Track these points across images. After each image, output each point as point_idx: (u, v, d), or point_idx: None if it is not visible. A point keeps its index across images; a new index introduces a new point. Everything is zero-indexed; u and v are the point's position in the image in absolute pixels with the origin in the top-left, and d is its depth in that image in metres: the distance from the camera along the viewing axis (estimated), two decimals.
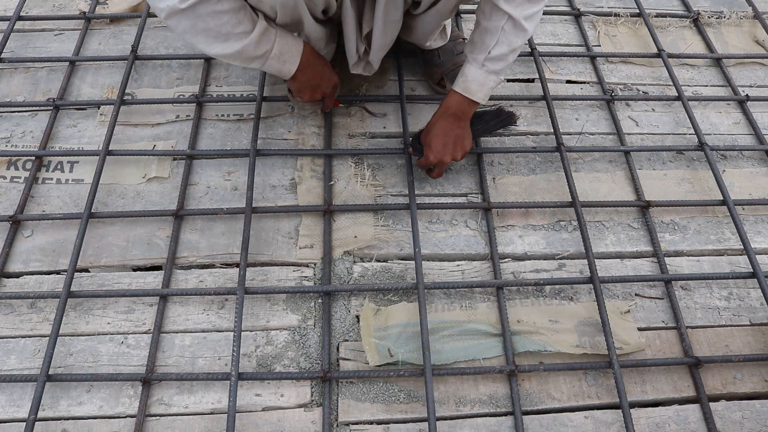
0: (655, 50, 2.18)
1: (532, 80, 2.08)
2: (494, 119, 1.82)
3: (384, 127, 1.91)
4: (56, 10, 2.28)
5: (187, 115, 1.92)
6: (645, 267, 1.68)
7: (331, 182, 1.77)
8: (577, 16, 2.30)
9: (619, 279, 1.62)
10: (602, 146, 1.90)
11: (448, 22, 1.93)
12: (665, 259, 1.69)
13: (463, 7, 2.23)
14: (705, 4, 2.44)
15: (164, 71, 2.05)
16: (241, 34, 1.45)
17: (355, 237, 1.67)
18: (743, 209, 1.82)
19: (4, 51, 2.09)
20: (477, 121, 1.76)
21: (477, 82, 1.59)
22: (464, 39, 2.01)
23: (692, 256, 1.72)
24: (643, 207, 1.77)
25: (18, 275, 1.62)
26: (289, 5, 1.53)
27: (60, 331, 1.49)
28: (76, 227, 1.67)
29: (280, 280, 1.59)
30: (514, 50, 1.55)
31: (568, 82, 2.10)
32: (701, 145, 1.90)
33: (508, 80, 2.08)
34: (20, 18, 2.19)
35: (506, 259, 1.66)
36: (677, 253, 1.72)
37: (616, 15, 2.32)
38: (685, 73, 2.17)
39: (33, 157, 1.83)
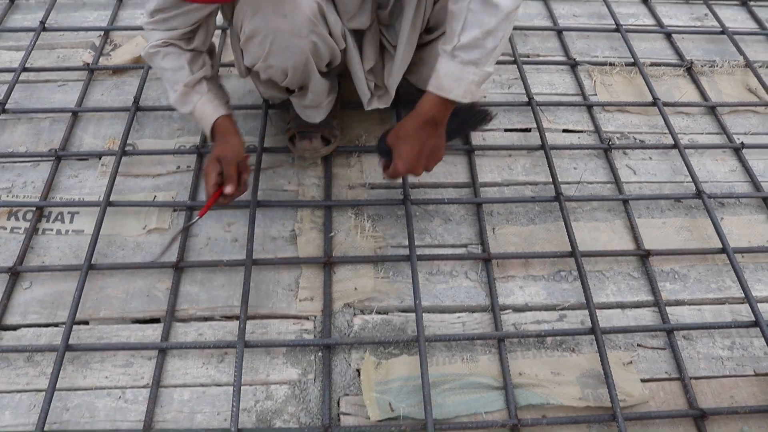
0: (650, 99, 2.21)
1: (529, 130, 2.10)
2: (467, 119, 1.75)
3: (383, 178, 1.91)
4: (60, 62, 2.31)
5: (188, 166, 1.93)
6: (646, 317, 1.68)
7: (331, 234, 1.77)
8: (573, 65, 2.34)
9: (620, 329, 1.61)
10: (601, 195, 1.92)
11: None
12: (666, 308, 1.68)
13: None
14: (697, 53, 2.48)
15: (165, 122, 2.07)
16: (173, 90, 1.63)
17: (356, 289, 1.67)
18: (743, 257, 1.82)
19: (8, 102, 2.10)
20: (450, 122, 1.54)
21: (451, 77, 1.41)
22: None
23: (693, 305, 1.72)
24: (643, 256, 1.77)
25: (15, 328, 1.61)
26: (300, 66, 1.58)
27: (57, 386, 1.47)
28: (75, 279, 1.66)
29: (280, 333, 1.58)
30: (490, 32, 1.36)
31: (566, 131, 2.12)
32: (699, 193, 1.91)
33: (506, 130, 2.10)
34: (25, 69, 2.22)
35: (507, 311, 1.65)
36: (678, 302, 1.72)
37: (612, 64, 2.35)
38: (681, 121, 2.20)
39: (34, 208, 1.83)
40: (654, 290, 1.70)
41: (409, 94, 1.92)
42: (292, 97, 1.82)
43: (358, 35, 1.70)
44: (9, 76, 2.21)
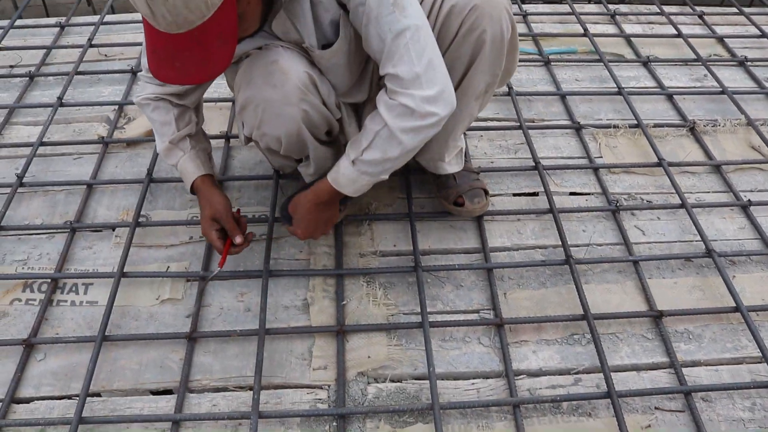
0: (655, 159, 2.24)
1: (537, 194, 2.13)
2: None
3: (394, 246, 1.94)
4: (76, 135, 2.37)
5: (200, 237, 1.95)
6: (663, 379, 1.66)
7: (344, 302, 1.78)
8: (577, 129, 2.38)
9: (637, 392, 1.60)
10: (611, 257, 1.92)
11: (462, 147, 1.94)
12: (683, 369, 1.67)
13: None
14: (699, 113, 2.52)
15: (178, 193, 2.11)
16: (160, 141, 1.77)
17: (369, 357, 1.66)
18: (757, 315, 1.81)
19: (25, 175, 2.15)
20: None
21: (347, 178, 1.57)
22: (478, 173, 2.05)
23: (710, 365, 1.70)
24: (656, 317, 1.77)
25: (28, 401, 1.60)
26: (293, 134, 1.63)
27: None
28: (89, 350, 1.67)
29: (294, 403, 1.57)
30: (389, 159, 1.51)
31: (573, 194, 2.14)
32: (709, 252, 1.92)
33: (514, 194, 2.13)
34: (42, 143, 2.28)
35: (521, 376, 1.64)
36: (695, 363, 1.70)
37: (616, 127, 2.39)
38: (687, 180, 2.22)
39: (48, 280, 1.85)
40: (669, 351, 1.69)
41: (417, 162, 1.97)
42: (299, 166, 1.86)
43: (357, 106, 1.77)
44: (27, 151, 2.26)
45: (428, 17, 1.54)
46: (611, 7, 3.19)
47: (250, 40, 1.55)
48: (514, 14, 3.04)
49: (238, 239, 1.69)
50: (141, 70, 1.77)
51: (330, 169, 1.60)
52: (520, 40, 2.85)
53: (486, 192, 1.98)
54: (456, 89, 1.61)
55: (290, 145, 1.68)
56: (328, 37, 1.55)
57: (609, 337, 1.73)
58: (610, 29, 3.04)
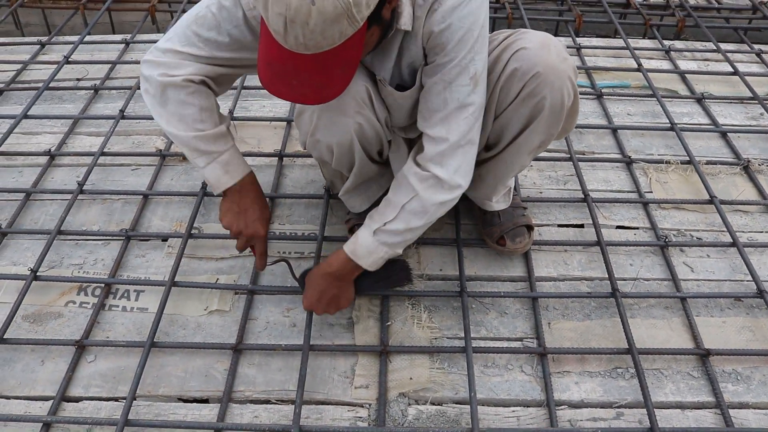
0: (707, 197, 2.21)
1: (583, 225, 2.13)
2: (385, 280, 1.78)
3: (440, 270, 1.95)
4: (135, 147, 2.45)
5: (249, 252, 2.00)
6: (708, 419, 1.63)
7: (388, 323, 1.80)
8: (628, 163, 2.37)
9: (681, 431, 1.57)
10: (658, 292, 1.90)
11: (511, 184, 1.96)
12: (729, 411, 1.63)
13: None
14: (754, 151, 2.49)
15: None
16: (200, 127, 1.56)
17: (411, 379, 1.67)
18: None
19: (86, 183, 2.23)
20: (367, 277, 1.70)
21: (366, 248, 1.58)
22: (525, 207, 2.04)
23: (759, 408, 1.66)
24: (703, 355, 1.74)
25: (78, 400, 1.65)
26: (345, 144, 1.66)
27: None
28: (137, 355, 1.71)
29: (335, 420, 1.59)
30: (412, 230, 1.56)
31: (621, 227, 2.13)
32: (760, 293, 1.88)
33: (560, 225, 2.13)
34: (103, 153, 2.36)
35: (562, 407, 1.63)
36: (742, 405, 1.66)
37: (667, 162, 2.38)
38: (739, 219, 2.19)
39: (102, 285, 1.91)
40: (716, 391, 1.66)
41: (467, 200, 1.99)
42: (342, 195, 1.91)
43: (411, 140, 1.79)
44: (88, 160, 2.35)
45: (490, 74, 1.56)
46: (666, 43, 3.17)
47: None
48: (568, 47, 3.07)
49: (259, 266, 1.75)
50: (170, 45, 1.55)
51: (365, 197, 1.71)
52: None
53: (530, 228, 1.98)
54: (509, 145, 1.68)
55: (341, 156, 1.70)
56: (404, 78, 1.57)
57: (653, 372, 1.71)
58: (665, 65, 3.02)
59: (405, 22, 1.39)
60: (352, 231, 1.97)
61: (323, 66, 1.26)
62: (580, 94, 2.73)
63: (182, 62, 1.53)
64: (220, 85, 1.62)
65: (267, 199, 1.83)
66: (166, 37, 1.56)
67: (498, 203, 1.94)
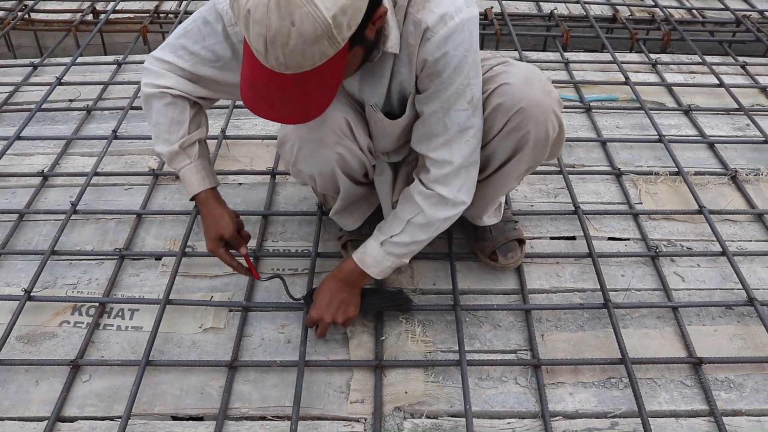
0: (696, 207, 2.24)
1: (575, 238, 2.14)
2: (389, 300, 1.85)
3: (434, 284, 1.97)
4: (127, 167, 2.46)
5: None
6: (702, 427, 1.63)
7: (382, 338, 1.80)
8: (617, 175, 2.40)
9: None
10: (649, 302, 1.92)
11: (503, 199, 1.99)
12: (723, 418, 1.64)
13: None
14: (741, 161, 2.52)
15: None
16: (164, 142, 1.68)
17: (406, 393, 1.68)
18: None
19: (79, 203, 2.24)
20: (371, 295, 1.82)
21: (374, 258, 1.66)
22: (516, 221, 2.04)
23: (752, 415, 1.67)
24: (696, 364, 1.75)
25: (73, 420, 1.65)
26: (327, 174, 1.71)
27: None
28: (132, 374, 1.71)
29: None
30: (418, 243, 1.64)
31: (612, 239, 2.15)
32: (750, 301, 1.90)
33: (553, 238, 2.14)
34: (96, 173, 2.37)
35: (557, 417, 1.64)
36: (735, 413, 1.67)
37: (656, 174, 2.40)
38: (728, 228, 2.21)
39: (97, 304, 1.92)
40: (709, 399, 1.67)
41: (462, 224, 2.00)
42: (333, 214, 1.93)
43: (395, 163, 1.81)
44: (82, 180, 2.36)
45: None
46: (653, 56, 3.22)
47: None
48: (556, 62, 3.11)
49: (243, 250, 1.74)
50: (160, 54, 1.64)
51: (357, 217, 1.79)
52: (562, 87, 2.91)
53: (522, 242, 2.00)
54: (496, 172, 1.71)
55: (325, 183, 1.76)
56: (392, 105, 1.59)
57: (647, 382, 1.72)
58: (652, 78, 3.07)
59: (392, 45, 1.41)
60: (344, 247, 1.98)
61: (304, 86, 1.28)
62: (569, 108, 2.78)
63: (166, 73, 1.62)
64: (206, 99, 1.71)
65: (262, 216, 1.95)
66: (160, 46, 1.65)
67: (489, 218, 1.96)
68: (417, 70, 1.47)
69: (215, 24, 1.53)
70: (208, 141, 2.31)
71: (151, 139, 2.49)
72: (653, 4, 3.77)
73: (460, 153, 1.54)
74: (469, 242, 2.07)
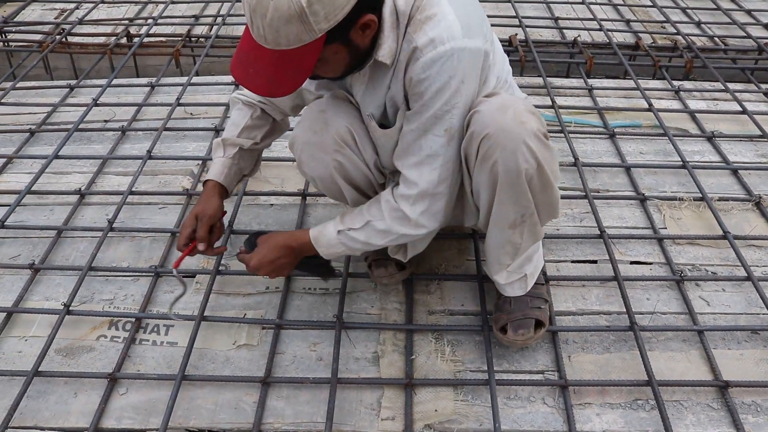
0: (720, 232, 2.26)
1: (596, 261, 2.17)
2: (317, 267, 1.87)
3: (462, 305, 2.00)
4: (161, 187, 2.53)
5: (276, 287, 2.06)
6: None
7: (413, 356, 1.84)
8: (642, 200, 2.43)
9: None
10: (675, 325, 1.94)
11: (532, 271, 1.82)
12: None
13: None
14: (765, 188, 2.54)
15: None
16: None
17: (436, 411, 1.71)
18: None
19: (115, 221, 2.31)
20: (308, 259, 1.80)
21: (327, 241, 1.70)
22: (546, 300, 1.88)
23: None
24: (722, 387, 1.77)
25: (110, 431, 1.69)
26: (326, 179, 1.77)
27: None
28: (168, 388, 1.76)
29: None
30: (370, 245, 1.67)
31: (637, 263, 2.18)
32: None
33: (577, 261, 2.18)
34: (132, 192, 2.44)
35: None
36: None
37: (680, 199, 2.43)
38: (753, 254, 2.23)
39: (133, 319, 1.97)
40: (736, 423, 1.68)
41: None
42: None
43: None
44: (117, 198, 2.43)
45: None
46: (675, 83, 3.26)
47: (329, 82, 1.67)
48: (580, 88, 3.15)
49: (200, 247, 1.80)
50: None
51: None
52: (586, 113, 2.96)
53: (540, 324, 1.83)
54: (489, 215, 1.67)
55: (327, 188, 1.82)
56: (387, 116, 1.64)
57: (673, 404, 1.74)
58: (675, 104, 3.10)
59: (384, 54, 1.46)
60: (370, 267, 2.02)
61: (277, 63, 1.36)
62: (594, 133, 2.82)
63: None
64: (275, 110, 1.90)
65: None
66: None
67: (512, 288, 1.81)
68: (406, 86, 1.51)
69: None
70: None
71: (185, 160, 2.63)
72: (675, 32, 3.81)
73: (425, 178, 1.57)
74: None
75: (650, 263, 2.18)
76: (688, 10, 4.16)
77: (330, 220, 1.72)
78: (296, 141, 1.73)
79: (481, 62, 1.53)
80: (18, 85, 3.24)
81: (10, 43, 3.78)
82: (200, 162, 2.63)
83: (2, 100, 3.09)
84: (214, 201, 1.84)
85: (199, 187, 2.49)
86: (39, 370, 1.81)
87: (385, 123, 1.65)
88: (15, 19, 3.98)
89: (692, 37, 3.74)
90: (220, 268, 2.10)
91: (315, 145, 1.69)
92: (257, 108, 1.88)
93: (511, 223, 1.65)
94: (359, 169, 1.74)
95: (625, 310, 1.95)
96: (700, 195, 2.44)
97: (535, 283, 1.84)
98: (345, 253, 1.72)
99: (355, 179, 1.76)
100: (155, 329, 1.97)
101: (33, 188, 2.49)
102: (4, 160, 2.68)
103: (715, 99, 3.18)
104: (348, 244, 1.68)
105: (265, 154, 2.63)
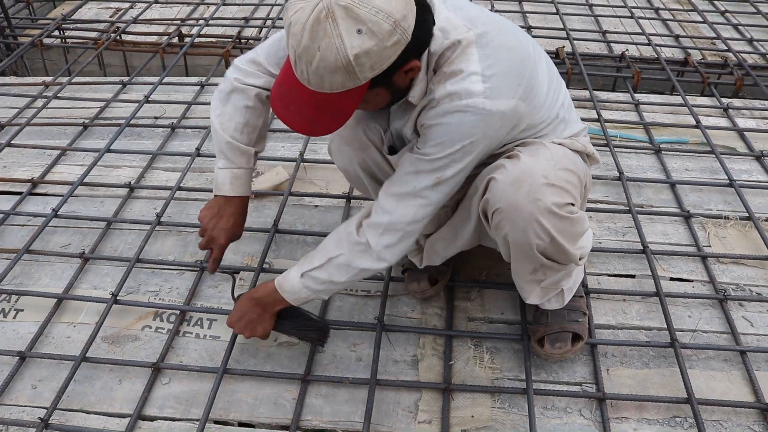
0: (766, 253, 2.23)
1: (634, 276, 2.16)
2: (301, 330, 1.81)
3: (502, 314, 2.01)
4: (209, 184, 2.58)
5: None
6: None
7: (451, 362, 1.86)
8: (686, 217, 2.41)
9: None
10: (716, 345, 1.92)
11: (570, 286, 1.81)
12: None
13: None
14: None
15: (299, 245, 2.27)
16: (236, 136, 1.75)
17: (472, 416, 1.72)
18: None
19: (163, 215, 2.37)
20: (289, 318, 1.76)
21: (290, 286, 1.64)
22: (585, 313, 1.87)
23: None
24: (764, 410, 1.75)
25: (152, 419, 1.74)
26: (350, 173, 1.85)
27: None
28: (209, 380, 1.80)
29: None
30: (334, 282, 1.61)
31: (679, 279, 2.16)
32: None
33: (618, 275, 2.17)
34: (180, 188, 2.50)
35: None
36: None
37: (726, 218, 2.41)
38: None
39: (177, 312, 2.02)
40: None
41: None
42: None
43: None
44: (164, 193, 2.50)
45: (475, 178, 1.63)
46: (724, 100, 3.22)
47: None
48: (627, 103, 3.14)
49: (210, 269, 1.85)
50: (253, 56, 1.73)
51: None
52: (632, 128, 2.94)
53: (578, 337, 1.83)
54: (509, 258, 1.69)
55: (351, 180, 1.91)
56: (397, 146, 1.70)
57: (712, 424, 1.73)
58: (723, 122, 3.06)
59: (413, 95, 1.47)
60: (404, 273, 2.04)
61: (318, 104, 1.36)
62: (639, 148, 2.80)
63: (257, 73, 1.71)
64: None
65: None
66: (255, 49, 1.74)
67: (549, 303, 1.80)
68: (417, 127, 1.53)
69: None
70: (285, 163, 2.44)
71: None
72: (726, 48, 3.76)
73: (401, 212, 1.53)
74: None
75: (692, 281, 2.16)
76: (739, 27, 4.11)
77: (293, 266, 1.67)
78: (334, 135, 1.77)
79: (504, 121, 1.47)
80: (73, 81, 3.33)
81: (67, 40, 3.89)
82: None
83: (58, 95, 3.18)
84: (242, 219, 1.87)
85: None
86: (86, 356, 1.87)
87: (394, 147, 1.71)
88: (72, 17, 4.11)
89: (743, 54, 3.69)
90: (264, 265, 2.14)
91: (344, 138, 1.74)
92: (262, 97, 1.74)
93: (531, 270, 1.68)
94: (383, 170, 1.76)
95: (665, 326, 1.94)
96: (747, 214, 2.40)
97: (573, 296, 1.84)
98: (310, 297, 1.67)
99: (379, 177, 1.78)
100: (198, 322, 2.01)
101: (85, 180, 2.57)
102: (58, 152, 2.77)
103: (765, 118, 3.13)
104: (312, 287, 1.63)
105: (311, 156, 2.71)
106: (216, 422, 1.73)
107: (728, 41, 3.84)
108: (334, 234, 1.64)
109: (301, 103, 1.38)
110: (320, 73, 1.28)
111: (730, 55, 3.69)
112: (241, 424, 1.73)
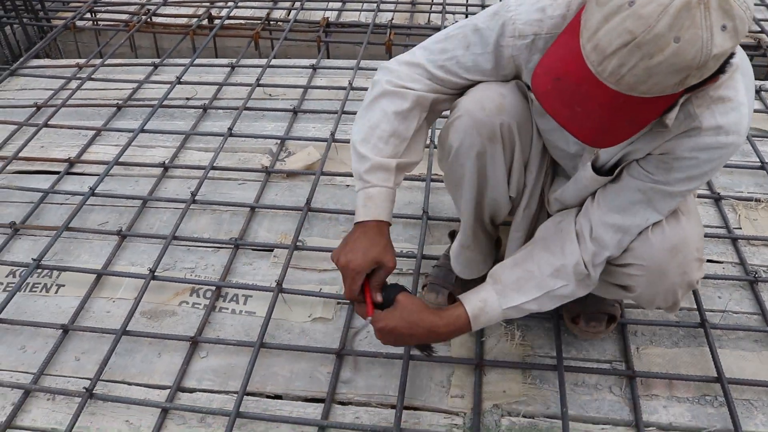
0: None
1: None
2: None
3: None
4: (241, 163, 2.63)
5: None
6: None
7: (483, 338, 1.89)
8: (716, 199, 2.41)
9: None
10: (747, 325, 1.94)
11: None
12: None
13: None
14: None
15: (332, 224, 2.31)
16: (378, 147, 1.45)
17: (504, 392, 1.76)
18: None
19: (197, 194, 2.42)
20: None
21: (488, 320, 1.48)
22: (620, 301, 1.91)
23: None
24: None
25: (192, 391, 1.80)
26: (463, 155, 1.51)
27: None
28: (246, 354, 1.85)
29: (431, 425, 1.69)
30: (539, 311, 1.49)
31: (709, 261, 2.17)
32: None
33: None
34: (213, 168, 2.55)
35: (651, 428, 1.68)
36: None
37: (757, 200, 2.40)
38: None
39: (213, 288, 2.07)
40: None
41: None
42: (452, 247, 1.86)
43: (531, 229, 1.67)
44: (198, 173, 2.54)
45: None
46: (757, 82, 3.17)
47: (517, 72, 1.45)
48: None
49: (362, 311, 1.53)
50: (409, 58, 1.48)
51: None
52: None
53: (613, 318, 1.86)
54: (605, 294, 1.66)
55: (453, 163, 1.54)
56: (605, 162, 1.41)
57: (742, 402, 1.74)
58: (755, 104, 3.03)
59: (671, 117, 1.19)
60: (424, 287, 1.96)
61: (616, 108, 1.10)
62: None
63: (416, 76, 1.45)
64: (433, 112, 1.53)
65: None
66: (411, 51, 1.49)
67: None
68: (654, 150, 1.31)
69: (488, 32, 1.37)
70: (317, 143, 2.44)
71: (265, 139, 2.71)
72: (759, 30, 3.71)
73: (616, 245, 1.42)
74: None
75: (722, 262, 2.17)
76: None
77: (481, 292, 1.48)
78: (460, 105, 1.46)
79: None
80: (106, 63, 3.39)
81: (99, 22, 3.95)
82: (279, 141, 2.71)
83: (92, 76, 3.24)
84: (391, 247, 1.50)
85: (278, 165, 2.57)
86: (127, 329, 1.93)
87: (600, 167, 1.42)
88: (103, 0, 4.15)
89: None
90: (297, 243, 2.18)
91: (475, 121, 1.44)
92: (422, 114, 1.49)
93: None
94: (496, 172, 1.53)
95: (695, 306, 1.96)
96: None
97: None
98: (498, 319, 1.50)
99: (487, 176, 1.54)
100: (234, 298, 2.06)
101: (120, 160, 2.62)
102: (93, 132, 2.83)
103: None
104: (510, 315, 1.48)
105: (342, 136, 2.73)
106: (252, 394, 1.78)
107: (761, 22, 3.79)
108: (540, 260, 1.47)
109: (592, 105, 1.11)
110: (655, 71, 1.02)
111: (764, 36, 3.64)
112: (276, 397, 1.78)
